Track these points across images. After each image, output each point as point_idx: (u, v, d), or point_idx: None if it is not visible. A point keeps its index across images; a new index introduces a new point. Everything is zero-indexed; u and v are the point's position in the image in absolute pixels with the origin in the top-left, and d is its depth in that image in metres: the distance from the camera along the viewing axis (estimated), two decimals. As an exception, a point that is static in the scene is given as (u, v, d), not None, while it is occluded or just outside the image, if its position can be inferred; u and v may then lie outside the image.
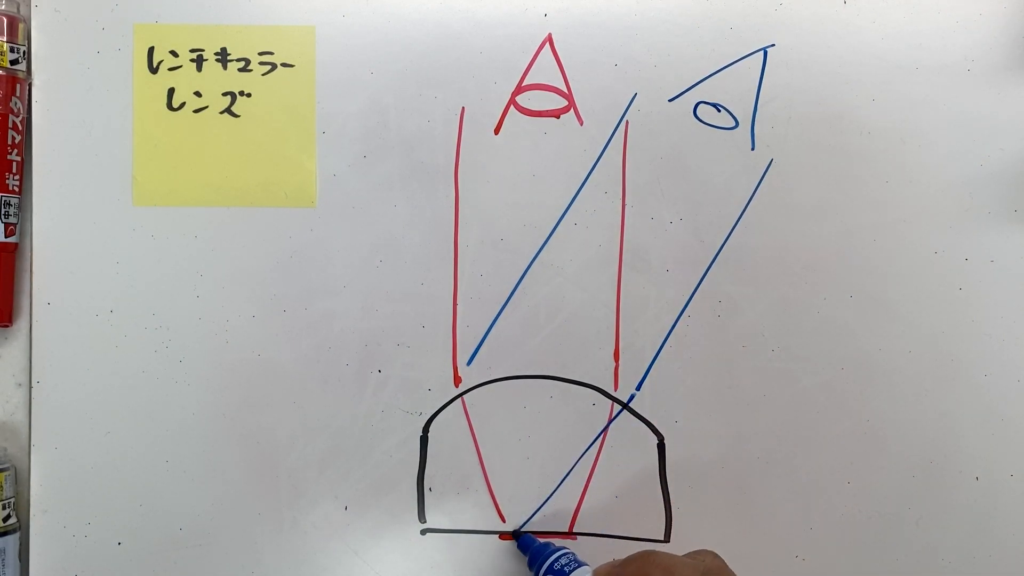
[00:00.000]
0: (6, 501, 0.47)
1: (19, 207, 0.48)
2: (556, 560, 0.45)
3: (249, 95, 0.49)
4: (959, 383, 0.50)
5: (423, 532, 0.49)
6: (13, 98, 0.47)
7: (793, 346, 0.50)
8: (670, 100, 0.50)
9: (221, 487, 0.49)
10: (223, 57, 0.49)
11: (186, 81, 0.49)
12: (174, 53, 0.49)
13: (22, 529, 0.48)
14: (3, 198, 0.47)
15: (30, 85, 0.49)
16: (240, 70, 0.49)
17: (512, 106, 0.50)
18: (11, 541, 0.47)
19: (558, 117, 0.50)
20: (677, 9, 0.50)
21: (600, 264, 0.50)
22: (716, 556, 0.42)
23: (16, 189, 0.48)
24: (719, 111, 0.50)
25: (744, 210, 0.50)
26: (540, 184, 0.50)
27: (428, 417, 0.49)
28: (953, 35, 0.51)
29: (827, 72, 0.50)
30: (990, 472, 0.50)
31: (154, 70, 0.49)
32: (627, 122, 0.50)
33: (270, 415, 0.49)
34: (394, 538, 0.49)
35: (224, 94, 0.49)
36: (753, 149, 0.50)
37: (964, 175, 0.51)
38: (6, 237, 0.48)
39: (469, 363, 0.50)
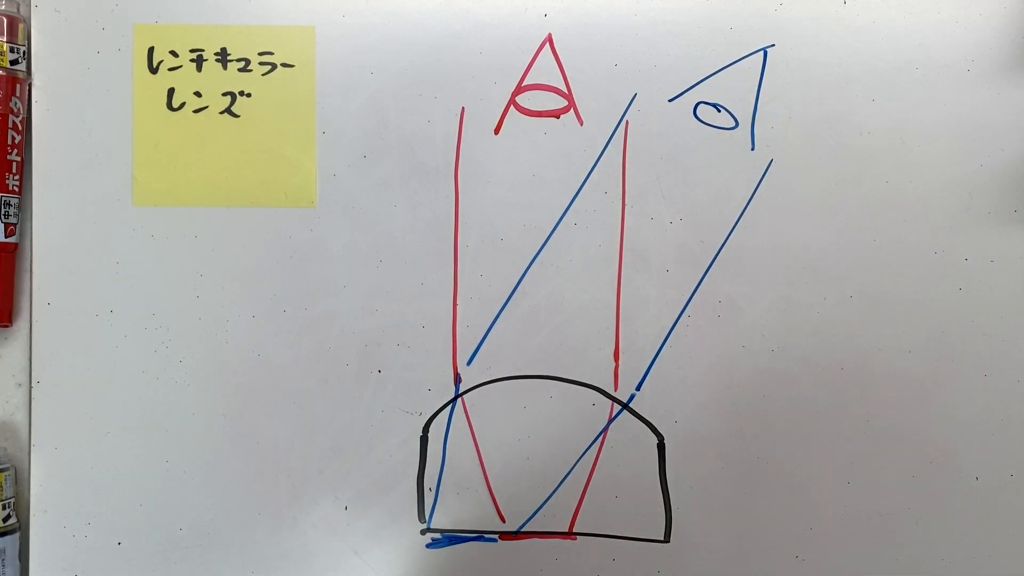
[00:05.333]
0: (6, 501, 0.47)
1: (19, 207, 0.48)
2: None
3: (249, 95, 0.49)
4: (959, 383, 0.50)
5: (423, 532, 0.49)
6: (13, 98, 0.47)
7: (793, 346, 0.50)
8: (670, 100, 0.50)
9: (221, 487, 0.49)
10: (223, 57, 0.49)
11: (186, 81, 0.49)
12: (174, 53, 0.49)
13: (22, 529, 0.48)
14: (3, 198, 0.47)
15: (30, 85, 0.49)
16: (240, 70, 0.49)
17: (512, 106, 0.50)
18: (11, 541, 0.47)
19: (558, 117, 0.50)
20: (677, 9, 0.50)
21: (600, 264, 0.50)
22: None
23: (16, 189, 0.48)
24: (719, 111, 0.50)
25: (744, 210, 0.50)
26: (540, 184, 0.50)
27: (428, 417, 0.49)
28: (953, 35, 0.51)
29: (827, 72, 0.50)
30: (990, 472, 0.50)
31: (154, 70, 0.49)
32: (627, 122, 0.50)
33: (270, 415, 0.49)
34: (394, 538, 0.49)
35: (224, 94, 0.49)
36: (753, 149, 0.50)
37: (964, 175, 0.51)
38: (6, 237, 0.48)
39: (469, 363, 0.50)
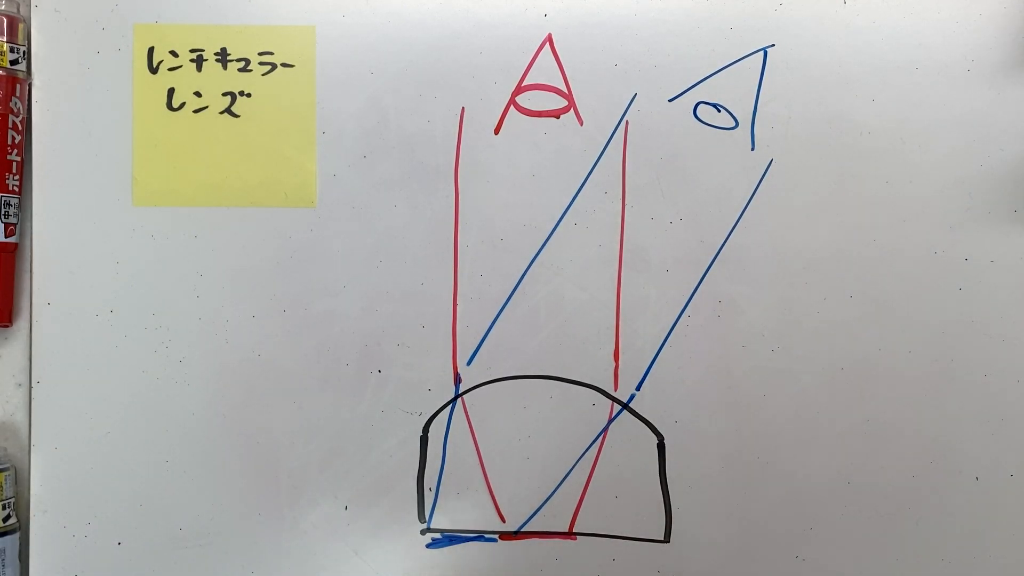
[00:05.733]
0: (6, 501, 0.47)
1: (19, 207, 0.48)
2: None
3: (249, 95, 0.49)
4: (959, 383, 0.50)
5: (423, 532, 0.49)
6: (13, 98, 0.47)
7: (793, 346, 0.50)
8: (670, 100, 0.50)
9: (221, 487, 0.49)
10: (223, 57, 0.49)
11: (186, 81, 0.49)
12: (174, 53, 0.49)
13: (22, 529, 0.48)
14: (3, 198, 0.47)
15: (30, 85, 0.49)
16: (240, 70, 0.49)
17: (512, 106, 0.50)
18: (11, 541, 0.47)
19: (558, 117, 0.50)
20: (677, 9, 0.50)
21: (600, 264, 0.50)
22: None
23: (16, 189, 0.48)
24: (719, 111, 0.50)
25: (744, 210, 0.50)
26: (540, 184, 0.50)
27: (428, 417, 0.49)
28: (953, 35, 0.51)
29: (827, 72, 0.50)
30: (990, 472, 0.50)
31: (154, 70, 0.49)
32: (627, 122, 0.50)
33: (270, 415, 0.49)
34: (394, 538, 0.49)
35: (224, 94, 0.49)
36: (753, 149, 0.50)
37: (964, 175, 0.51)
38: (6, 237, 0.48)
39: (469, 363, 0.50)
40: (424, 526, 0.49)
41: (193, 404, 0.49)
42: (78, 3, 0.49)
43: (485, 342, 0.50)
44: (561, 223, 0.50)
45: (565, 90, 0.50)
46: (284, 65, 0.49)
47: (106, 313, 0.48)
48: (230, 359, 0.49)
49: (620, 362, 0.50)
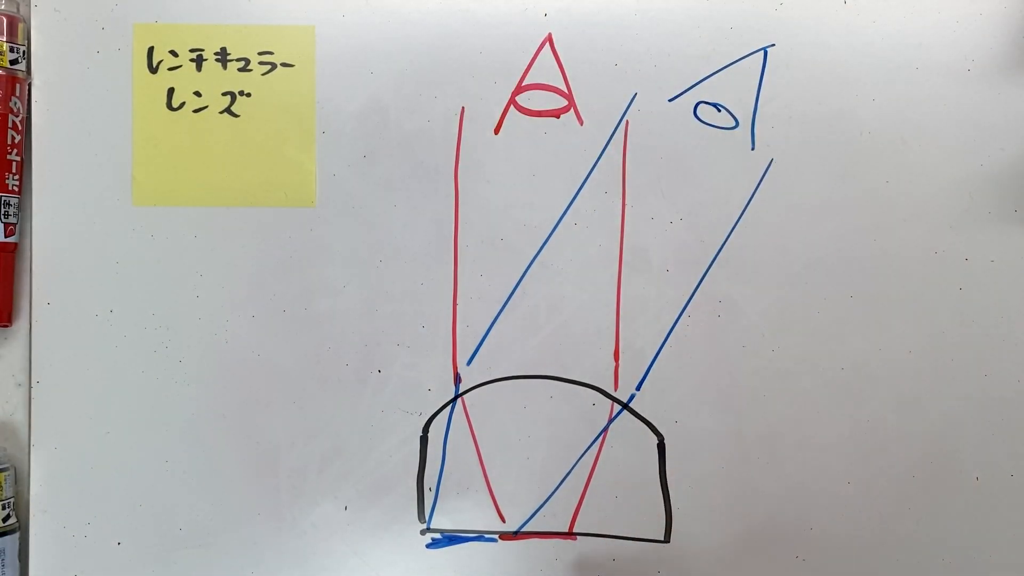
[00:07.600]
0: (6, 501, 0.47)
1: (19, 207, 0.48)
2: None
3: (249, 95, 0.49)
4: (959, 383, 0.50)
5: (423, 532, 0.49)
6: (13, 98, 0.47)
7: (793, 346, 0.50)
8: (670, 100, 0.50)
9: (221, 487, 0.49)
10: (223, 57, 0.49)
11: (186, 81, 0.49)
12: (174, 53, 0.49)
13: (22, 529, 0.48)
14: (3, 198, 0.47)
15: (30, 85, 0.49)
16: (240, 70, 0.49)
17: (512, 106, 0.50)
18: (11, 541, 0.47)
19: (558, 117, 0.50)
20: (677, 9, 0.50)
21: (600, 264, 0.50)
22: None
23: (16, 189, 0.48)
24: (719, 111, 0.50)
25: (744, 210, 0.50)
26: (540, 184, 0.50)
27: (428, 417, 0.49)
28: (953, 35, 0.51)
29: (827, 72, 0.50)
30: (990, 472, 0.50)
31: (154, 70, 0.49)
32: (627, 122, 0.50)
33: (270, 415, 0.49)
34: (394, 538, 0.49)
35: (224, 94, 0.49)
36: (753, 149, 0.50)
37: (964, 175, 0.51)
38: (6, 237, 0.48)
39: (469, 363, 0.50)
40: (424, 526, 0.49)
41: (193, 404, 0.49)
42: (78, 3, 0.49)
43: (485, 342, 0.50)
44: (561, 223, 0.50)
45: (565, 90, 0.50)
46: (284, 65, 0.49)
47: (106, 313, 0.48)
48: (230, 359, 0.49)
49: (620, 362, 0.50)
